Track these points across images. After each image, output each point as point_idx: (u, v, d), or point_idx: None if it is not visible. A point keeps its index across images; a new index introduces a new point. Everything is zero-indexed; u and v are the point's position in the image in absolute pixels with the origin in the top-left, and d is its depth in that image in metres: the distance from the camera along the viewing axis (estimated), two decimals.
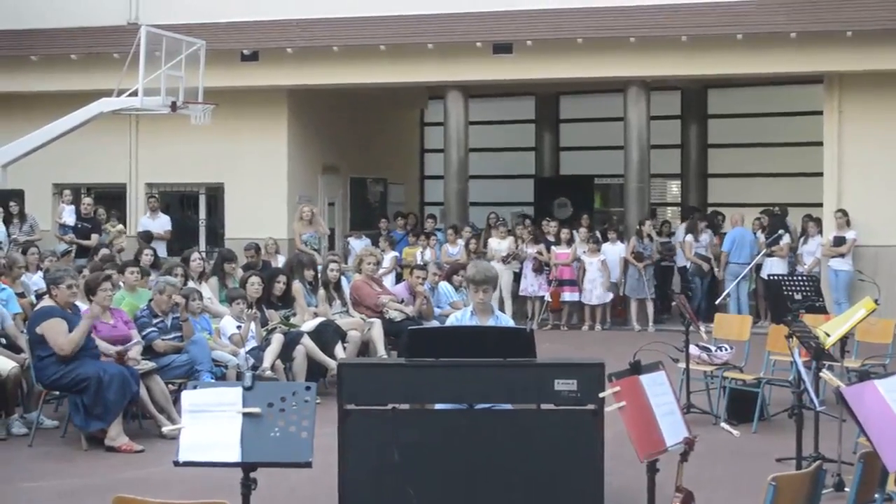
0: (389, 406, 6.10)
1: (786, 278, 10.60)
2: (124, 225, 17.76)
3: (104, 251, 13.81)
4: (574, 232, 16.61)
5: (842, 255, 15.25)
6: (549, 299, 16.26)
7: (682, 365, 9.46)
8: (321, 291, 11.71)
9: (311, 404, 4.61)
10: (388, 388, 6.14)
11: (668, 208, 22.93)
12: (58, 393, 8.82)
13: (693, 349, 9.62)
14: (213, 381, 8.97)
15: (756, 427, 9.03)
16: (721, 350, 9.75)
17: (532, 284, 16.33)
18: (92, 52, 17.65)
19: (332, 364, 10.16)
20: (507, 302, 16.16)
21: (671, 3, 16.00)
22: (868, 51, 15.02)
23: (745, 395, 9.27)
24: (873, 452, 4.38)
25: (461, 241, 16.65)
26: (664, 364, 5.29)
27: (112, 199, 18.76)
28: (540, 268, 16.29)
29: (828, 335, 7.51)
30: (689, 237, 16.64)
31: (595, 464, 6.02)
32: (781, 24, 15.33)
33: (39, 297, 10.34)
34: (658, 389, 5.01)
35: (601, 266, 16.07)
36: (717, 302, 14.25)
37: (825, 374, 6.85)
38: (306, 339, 10.47)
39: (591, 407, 6.01)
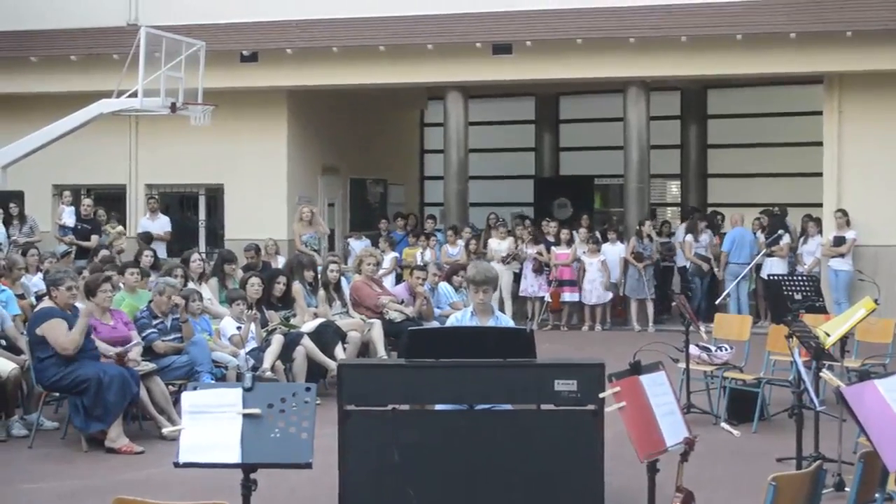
0: (389, 407, 6.11)
1: (786, 278, 10.60)
2: (124, 226, 17.77)
3: (104, 252, 13.81)
4: (574, 232, 16.61)
5: (842, 255, 15.25)
6: (549, 300, 16.26)
7: (682, 365, 9.46)
8: (321, 292, 11.71)
9: (312, 405, 4.61)
10: (389, 388, 6.14)
11: (668, 208, 22.94)
12: (58, 394, 8.82)
13: (693, 349, 9.62)
14: (213, 382, 8.97)
15: (756, 427, 9.03)
16: (721, 350, 9.75)
17: (532, 285, 16.34)
18: (92, 54, 17.65)
19: (332, 365, 10.16)
20: (507, 302, 16.16)
21: (671, 3, 16.01)
22: (868, 51, 15.02)
23: (745, 395, 9.27)
24: (873, 452, 4.38)
25: (461, 242, 16.65)
26: (664, 364, 5.29)
27: (112, 200, 18.76)
28: (540, 268, 16.29)
29: (828, 335, 7.51)
30: (689, 237, 16.65)
31: (595, 464, 6.02)
32: (781, 24, 15.33)
33: (39, 298, 10.33)
34: (658, 389, 5.01)
35: (601, 266, 16.07)
36: (717, 302, 14.26)
37: (825, 373, 6.85)
38: (306, 340, 10.47)
39: (591, 407, 6.01)
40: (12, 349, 9.29)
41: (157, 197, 17.94)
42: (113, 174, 18.72)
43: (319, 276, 11.91)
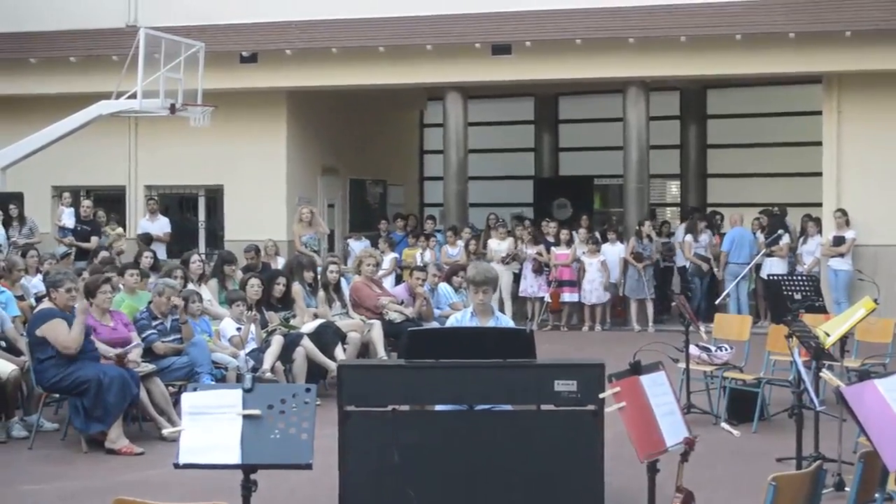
0: (389, 407, 6.11)
1: (785, 278, 10.61)
2: (123, 228, 17.78)
3: (104, 254, 13.80)
4: (573, 233, 16.61)
5: (841, 255, 15.25)
6: (549, 300, 16.26)
7: (682, 365, 9.46)
8: (321, 293, 11.71)
9: (311, 406, 4.61)
10: (388, 389, 6.14)
11: (668, 209, 22.94)
12: (58, 395, 8.83)
13: (693, 349, 9.62)
14: (212, 383, 8.98)
15: (756, 427, 9.03)
16: (721, 350, 9.75)
17: (532, 285, 16.34)
18: (91, 55, 17.65)
19: (332, 366, 10.16)
20: (506, 303, 16.16)
21: (670, 3, 16.01)
22: (867, 51, 15.03)
23: (745, 395, 9.27)
24: (873, 452, 4.38)
25: (461, 243, 16.65)
26: (664, 364, 5.29)
27: (111, 201, 18.77)
28: (540, 269, 16.29)
29: (827, 335, 7.52)
30: (689, 237, 16.65)
31: (595, 464, 6.02)
32: (780, 24, 15.34)
33: (39, 299, 10.33)
34: (658, 390, 5.01)
35: (601, 267, 16.07)
36: (716, 302, 14.26)
37: (825, 373, 6.85)
38: (306, 341, 10.47)
39: (591, 407, 6.01)
40: (12, 350, 9.29)
41: (156, 198, 17.94)
42: (112, 175, 18.72)
43: (319, 276, 11.91)
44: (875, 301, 7.67)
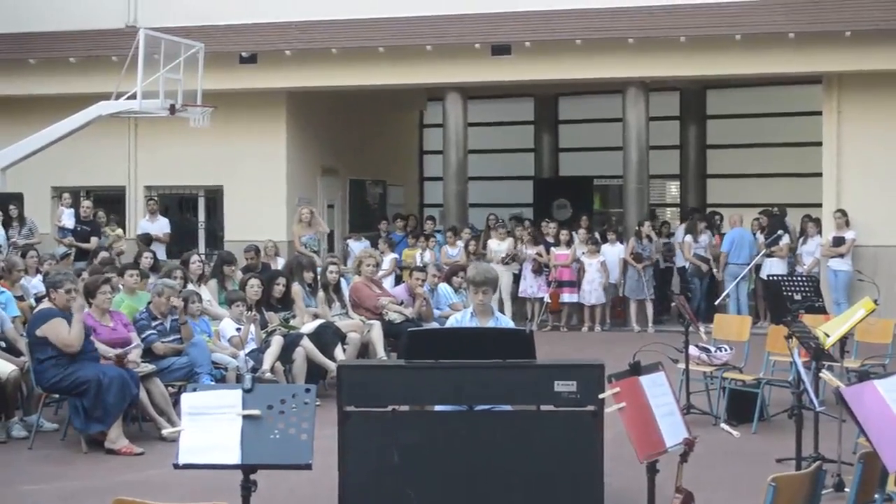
0: (389, 408, 6.11)
1: (785, 279, 10.61)
2: (123, 228, 17.79)
3: (103, 254, 13.80)
4: (573, 233, 16.61)
5: (841, 256, 15.25)
6: (549, 300, 16.26)
7: (682, 366, 9.47)
8: (320, 293, 11.72)
9: (311, 406, 4.61)
10: (388, 389, 6.14)
11: (668, 209, 22.94)
12: (57, 396, 8.83)
13: (693, 350, 9.62)
14: (212, 383, 8.98)
15: (756, 428, 9.03)
16: (720, 351, 9.75)
17: (531, 286, 16.34)
18: (90, 56, 17.64)
19: (332, 366, 10.16)
20: (506, 303, 16.16)
21: (670, 3, 16.01)
22: (867, 51, 15.02)
23: (744, 396, 9.27)
24: (873, 453, 4.38)
25: (460, 243, 16.65)
26: (664, 365, 5.30)
27: (111, 202, 18.77)
28: (539, 269, 16.29)
29: (827, 335, 7.52)
30: (689, 238, 16.65)
31: (595, 465, 6.02)
32: (780, 24, 15.34)
33: (38, 300, 10.33)
34: (658, 390, 5.02)
35: (600, 267, 16.08)
36: (716, 302, 14.25)
37: (825, 374, 6.85)
38: (306, 341, 10.47)
39: (590, 408, 6.01)
40: (12, 351, 9.30)
41: (156, 198, 17.93)
42: (112, 176, 18.72)
43: (319, 277, 11.91)
44: (875, 302, 7.67)
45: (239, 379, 9.14)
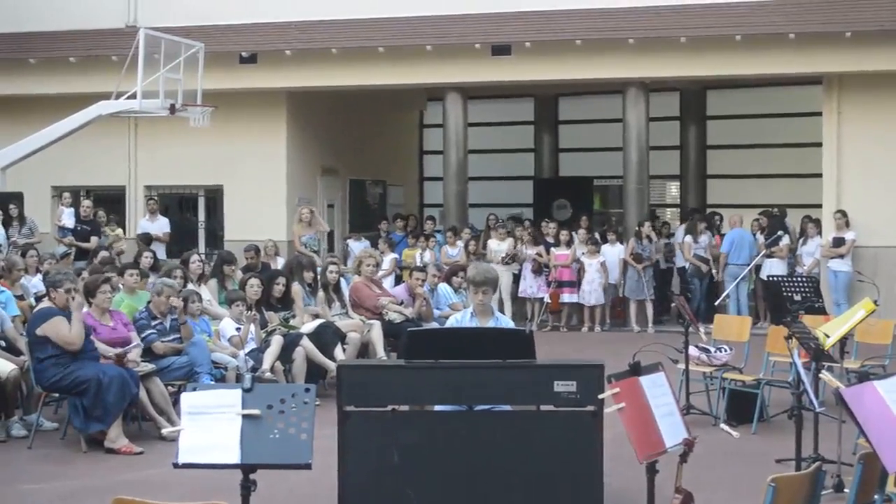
0: (389, 407, 6.11)
1: (785, 279, 10.61)
2: (123, 228, 17.78)
3: (103, 254, 13.81)
4: (573, 233, 16.61)
5: (841, 256, 15.25)
6: (549, 301, 16.26)
7: (682, 366, 9.46)
8: (320, 293, 11.71)
9: (311, 406, 4.61)
10: (388, 389, 6.14)
11: (668, 209, 22.94)
12: (57, 395, 8.83)
13: (692, 350, 9.62)
14: (212, 383, 8.98)
15: (755, 428, 9.03)
16: (720, 351, 9.75)
17: (531, 286, 16.34)
18: (91, 55, 17.64)
19: (332, 366, 10.16)
20: (506, 303, 16.15)
21: (670, 4, 16.01)
22: (867, 51, 15.02)
23: (744, 396, 9.27)
24: (873, 453, 4.38)
25: (460, 243, 16.66)
26: (663, 365, 5.29)
27: (111, 201, 18.77)
28: (539, 269, 16.29)
29: (827, 336, 7.51)
30: (689, 238, 16.65)
31: (594, 465, 6.02)
32: (780, 25, 15.34)
33: (38, 299, 10.34)
34: (657, 391, 5.02)
35: (600, 267, 16.08)
36: (716, 303, 14.25)
37: (825, 375, 6.86)
38: (306, 341, 10.47)
39: (590, 408, 6.01)
40: (12, 350, 9.30)
41: (156, 198, 17.93)
42: (112, 175, 18.72)
43: (319, 277, 11.91)
44: (875, 302, 7.67)
45: (239, 378, 9.14)
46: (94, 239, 16.01)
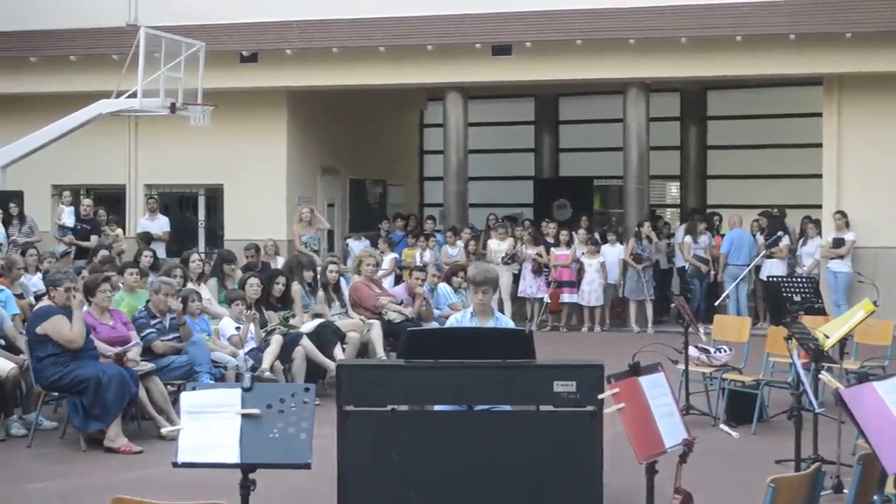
0: (388, 407, 6.11)
1: (785, 280, 10.61)
2: (123, 228, 17.78)
3: (103, 253, 13.81)
4: (573, 233, 16.61)
5: (841, 257, 15.26)
6: (549, 301, 16.26)
7: (682, 366, 9.47)
8: (320, 293, 11.71)
9: (310, 405, 4.61)
10: (387, 389, 6.13)
11: (668, 210, 22.94)
12: (57, 394, 8.82)
13: (692, 351, 9.63)
14: (211, 382, 8.98)
15: (755, 429, 9.03)
16: (720, 351, 9.75)
17: (531, 286, 16.34)
18: (91, 54, 17.64)
19: (331, 365, 10.16)
20: (506, 303, 16.16)
21: (670, 4, 16.01)
22: (867, 52, 15.03)
23: (744, 397, 9.27)
24: (872, 454, 4.37)
25: (460, 243, 16.66)
26: (663, 365, 5.29)
27: (111, 200, 18.76)
28: (539, 269, 16.29)
29: (827, 337, 7.52)
30: (688, 238, 16.65)
31: (594, 465, 6.01)
32: (781, 25, 15.34)
33: (38, 298, 10.34)
34: (657, 391, 5.01)
35: (600, 268, 16.08)
36: (716, 303, 14.25)
37: (824, 375, 6.84)
38: (305, 341, 10.47)
39: (590, 408, 6.00)
40: (11, 349, 9.29)
41: (156, 197, 17.94)
42: (112, 174, 18.72)
43: (318, 276, 11.91)
44: (874, 303, 7.68)
45: (238, 378, 9.13)
46: (94, 238, 16.00)
